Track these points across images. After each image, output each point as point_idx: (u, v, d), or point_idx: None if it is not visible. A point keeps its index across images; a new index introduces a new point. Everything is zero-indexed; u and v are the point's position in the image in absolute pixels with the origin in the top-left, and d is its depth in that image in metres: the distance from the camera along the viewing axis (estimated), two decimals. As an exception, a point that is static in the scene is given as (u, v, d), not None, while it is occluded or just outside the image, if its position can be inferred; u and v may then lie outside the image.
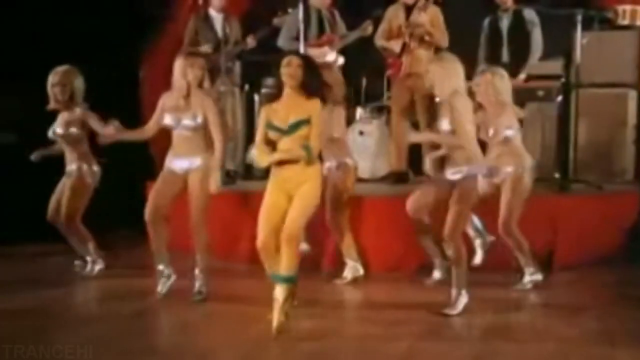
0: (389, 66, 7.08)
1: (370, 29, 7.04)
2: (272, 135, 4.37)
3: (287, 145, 4.33)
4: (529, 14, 6.77)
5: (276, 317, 4.23)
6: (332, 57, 7.07)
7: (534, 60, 6.77)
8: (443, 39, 6.85)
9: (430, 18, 6.81)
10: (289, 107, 4.34)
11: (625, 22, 7.30)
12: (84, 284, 5.58)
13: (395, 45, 6.90)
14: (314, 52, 6.88)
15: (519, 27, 6.76)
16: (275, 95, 4.46)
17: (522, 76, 6.66)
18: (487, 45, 6.94)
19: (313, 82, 4.37)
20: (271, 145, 4.40)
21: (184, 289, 5.43)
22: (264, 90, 8.06)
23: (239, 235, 6.29)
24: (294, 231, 4.23)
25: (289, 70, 4.32)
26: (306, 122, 4.29)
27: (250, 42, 7.14)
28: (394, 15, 7.00)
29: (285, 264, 4.25)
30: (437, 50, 6.85)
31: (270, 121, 4.36)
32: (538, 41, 6.76)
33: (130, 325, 4.53)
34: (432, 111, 6.84)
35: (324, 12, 7.15)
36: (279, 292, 4.26)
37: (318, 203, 4.40)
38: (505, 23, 6.83)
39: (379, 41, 7.04)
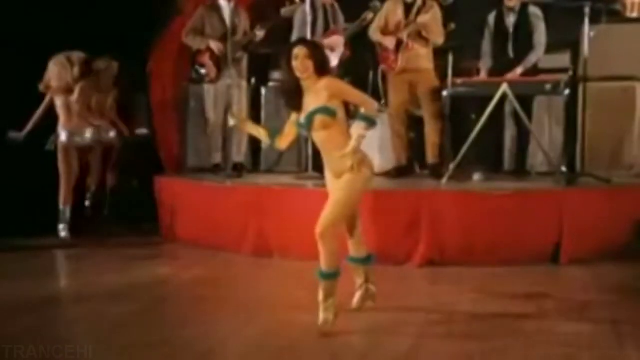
0: (383, 61, 7.09)
1: (370, 19, 7.06)
2: (302, 132, 4.30)
3: (318, 139, 4.18)
4: (534, 10, 6.75)
5: (320, 315, 4.16)
6: (342, 48, 7.12)
7: (535, 58, 6.75)
8: (439, 37, 6.88)
9: (432, 15, 6.82)
10: (307, 100, 4.18)
11: (634, 14, 7.28)
12: (86, 281, 5.57)
13: (390, 43, 6.91)
14: (328, 42, 6.91)
15: (525, 24, 6.75)
16: (294, 95, 4.22)
17: (519, 70, 6.65)
18: (493, 41, 6.93)
19: (324, 63, 4.19)
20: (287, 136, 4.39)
21: (188, 285, 5.46)
22: (271, 84, 8.08)
23: (245, 227, 6.30)
24: (323, 229, 4.08)
25: (298, 64, 4.11)
26: (319, 111, 4.09)
27: (259, 33, 7.14)
28: (391, 11, 7.00)
29: (322, 260, 4.16)
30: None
31: (298, 121, 4.25)
32: (541, 40, 6.74)
33: (135, 319, 4.52)
34: (438, 104, 6.87)
35: (327, 6, 7.15)
36: (320, 288, 4.20)
37: (355, 198, 4.18)
38: (511, 19, 6.82)
39: (375, 35, 7.06)
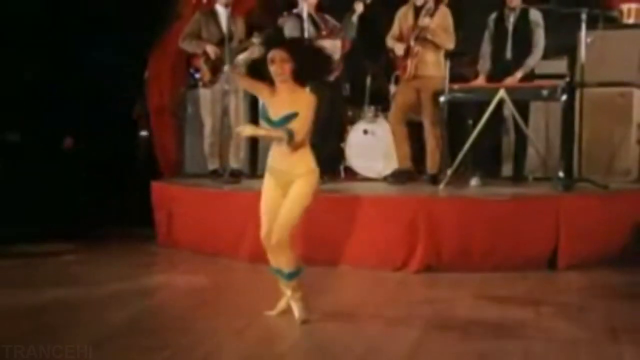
0: (399, 65, 7.09)
1: (360, 8, 7.00)
2: (265, 125, 4.38)
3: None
4: (535, 14, 6.76)
5: (296, 309, 4.45)
6: (339, 45, 7.06)
7: (534, 62, 6.76)
8: (449, 41, 6.86)
9: (439, 20, 6.81)
10: (282, 100, 4.29)
11: (630, 21, 7.30)
12: (86, 283, 5.57)
13: (399, 49, 6.91)
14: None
15: (525, 26, 6.76)
16: (258, 72, 4.34)
17: (518, 75, 6.65)
18: (492, 42, 6.93)
19: (304, 67, 4.26)
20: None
21: (185, 291, 5.45)
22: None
23: (242, 233, 6.29)
24: (282, 237, 4.29)
25: (274, 68, 4.23)
26: (295, 115, 4.22)
27: (256, 41, 7.15)
28: (403, 16, 7.04)
29: (284, 263, 4.41)
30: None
31: (265, 112, 4.34)
32: (540, 43, 6.74)
33: (132, 324, 4.52)
34: (438, 112, 6.89)
35: (314, 15, 7.13)
36: (286, 286, 4.49)
37: (309, 203, 4.32)
38: (511, 21, 6.81)
39: (390, 42, 7.09)
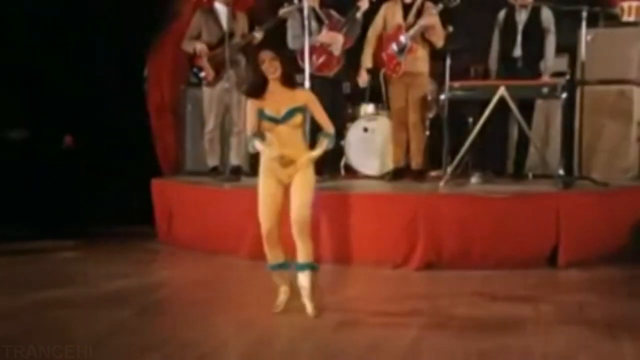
0: (384, 64, 7.06)
1: (365, 5, 6.97)
2: (266, 124, 4.52)
3: (284, 132, 4.51)
4: (547, 16, 6.72)
5: (308, 305, 4.52)
6: (341, 40, 7.01)
7: (551, 64, 6.72)
8: (442, 39, 6.87)
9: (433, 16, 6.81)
10: (278, 97, 4.54)
11: (631, 18, 7.28)
12: (86, 281, 5.57)
13: (362, 82, 7.07)
14: (324, 39, 6.89)
15: (535, 25, 6.70)
16: (258, 87, 4.59)
17: (546, 79, 6.61)
18: (501, 38, 6.90)
19: (290, 71, 4.66)
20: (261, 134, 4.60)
21: (186, 288, 5.46)
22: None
23: (243, 231, 6.29)
24: (306, 218, 4.44)
25: (266, 66, 4.51)
26: (299, 110, 4.52)
27: (257, 35, 7.14)
28: (390, 12, 6.97)
29: (304, 252, 4.49)
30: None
31: (262, 111, 4.52)
32: (551, 50, 6.68)
33: (132, 322, 4.52)
34: (424, 112, 6.90)
35: (317, 9, 7.10)
36: (304, 279, 4.54)
37: (314, 187, 4.54)
38: (522, 18, 6.75)
39: (373, 39, 7.03)
